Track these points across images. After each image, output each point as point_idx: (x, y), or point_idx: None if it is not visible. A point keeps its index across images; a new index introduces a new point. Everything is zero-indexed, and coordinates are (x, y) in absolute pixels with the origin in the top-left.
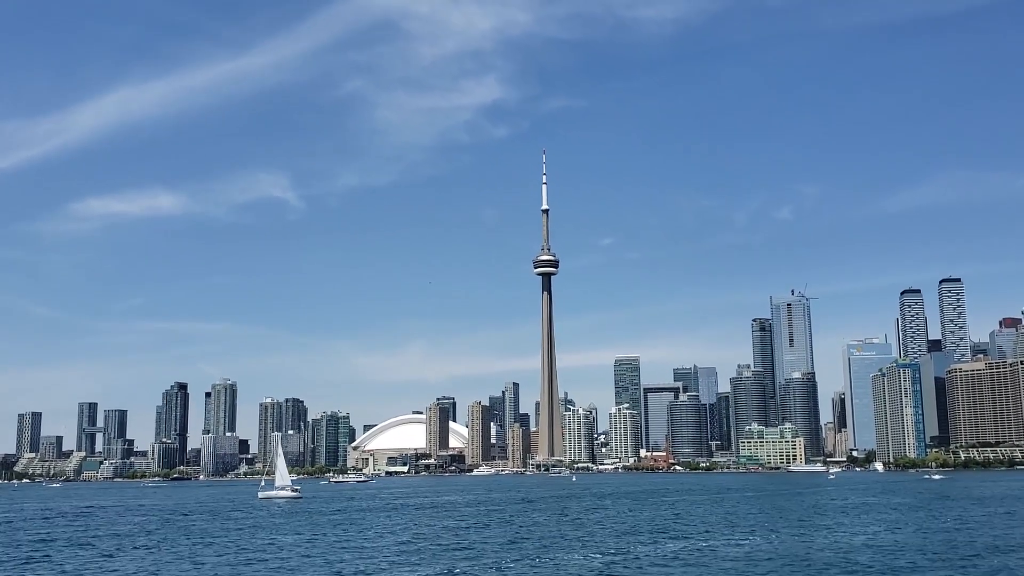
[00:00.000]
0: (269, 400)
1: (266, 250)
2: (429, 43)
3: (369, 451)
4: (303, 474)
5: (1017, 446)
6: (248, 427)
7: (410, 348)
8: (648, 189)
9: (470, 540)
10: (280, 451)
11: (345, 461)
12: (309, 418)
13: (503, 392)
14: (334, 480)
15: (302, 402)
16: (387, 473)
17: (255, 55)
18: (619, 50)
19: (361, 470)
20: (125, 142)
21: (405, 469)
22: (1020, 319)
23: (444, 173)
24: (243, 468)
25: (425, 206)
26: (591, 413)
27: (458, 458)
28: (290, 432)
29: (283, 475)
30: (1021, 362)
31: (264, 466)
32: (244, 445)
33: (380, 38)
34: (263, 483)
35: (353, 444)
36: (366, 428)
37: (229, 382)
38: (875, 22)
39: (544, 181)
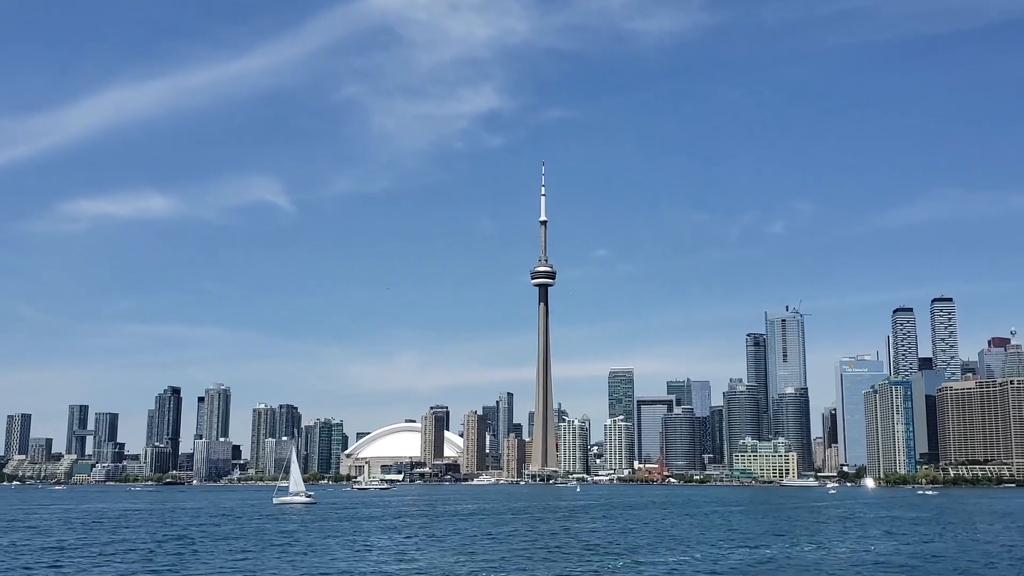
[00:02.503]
0: (263, 406)
1: (258, 255)
2: (427, 50)
3: (363, 459)
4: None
5: (1005, 464)
6: (239, 433)
7: (402, 357)
8: (642, 202)
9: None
10: (295, 458)
11: (338, 469)
12: (302, 425)
13: (497, 402)
14: (357, 487)
15: (296, 408)
16: (382, 481)
17: (252, 58)
18: (617, 62)
19: (357, 478)
20: (118, 142)
21: (400, 477)
22: (1009, 339)
23: (440, 182)
24: (236, 474)
25: (420, 214)
26: (585, 424)
27: (453, 467)
28: (284, 439)
29: (297, 481)
30: (1011, 381)
31: (258, 472)
32: (236, 451)
33: (378, 44)
34: (276, 489)
35: (346, 451)
36: (359, 436)
37: (223, 387)
38: (871, 42)
39: (543, 193)
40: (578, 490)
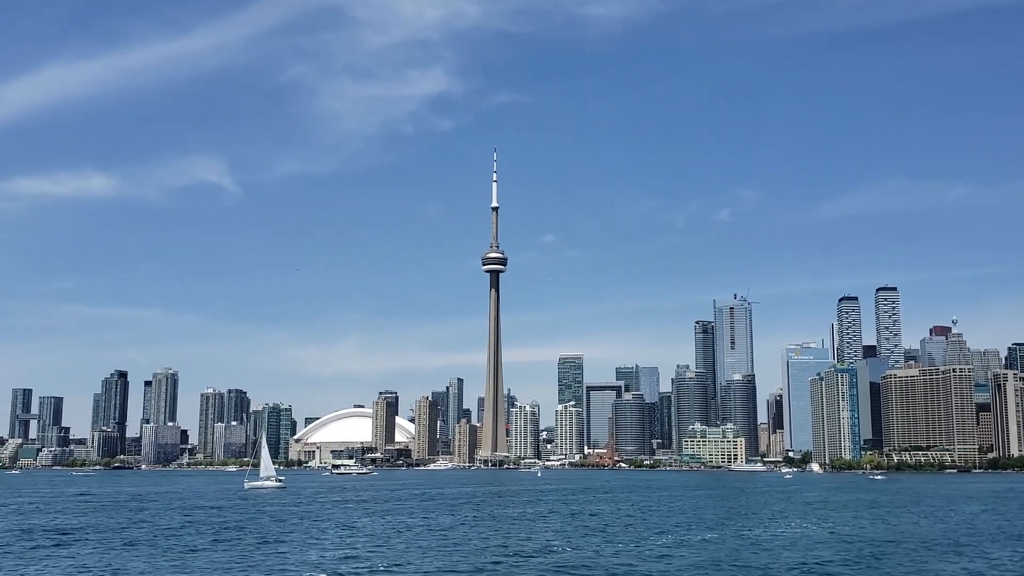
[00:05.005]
0: (211, 390)
1: (201, 236)
2: (376, 31)
3: (313, 444)
4: (244, 467)
5: (947, 450)
6: (186, 417)
7: (348, 341)
8: (590, 188)
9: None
10: (264, 443)
11: (287, 454)
12: (251, 410)
13: (447, 387)
14: (336, 472)
15: (245, 393)
16: (333, 467)
17: (197, 36)
18: (567, 47)
19: (308, 463)
20: (58, 121)
21: (352, 463)
22: (950, 327)
23: (387, 164)
24: (185, 458)
25: (367, 197)
26: (536, 409)
27: (405, 452)
28: (233, 423)
29: (268, 466)
30: (952, 369)
31: (207, 457)
32: (184, 435)
33: (326, 24)
34: (248, 473)
35: (296, 437)
36: (307, 421)
37: (171, 371)
38: (816, 31)
39: (495, 179)
40: (539, 475)
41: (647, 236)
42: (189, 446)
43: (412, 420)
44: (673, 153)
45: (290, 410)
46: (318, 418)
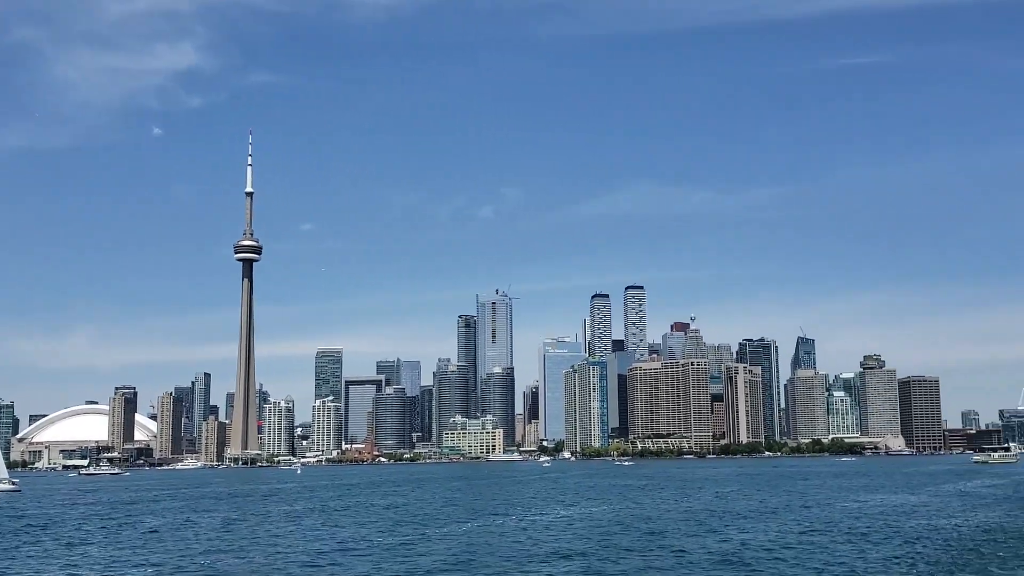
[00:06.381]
0: None
1: None
2: None
3: (40, 443)
4: None
5: (685, 437)
6: None
7: (79, 332)
8: (353, 177)
9: None
10: None
11: (8, 454)
12: None
13: (192, 383)
14: (86, 473)
15: None
16: (64, 467)
17: None
18: (330, 30)
19: (34, 464)
20: None
21: (85, 463)
22: (689, 323)
23: (129, 141)
24: None
25: (105, 175)
26: (290, 405)
27: (146, 451)
28: None
29: (0, 468)
30: (691, 363)
31: None
32: None
33: None
34: None
35: (18, 436)
36: (32, 419)
37: None
38: (580, 36)
39: (250, 163)
40: (299, 472)
41: (411, 229)
42: None
43: (154, 417)
44: (438, 148)
45: (12, 407)
46: (46, 415)
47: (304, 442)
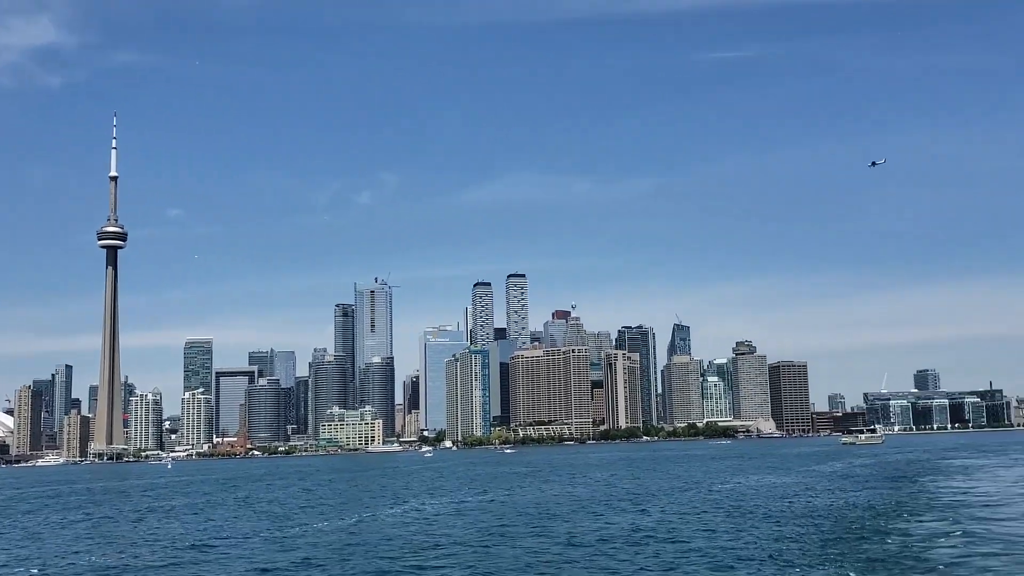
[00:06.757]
0: None
1: None
2: None
3: None
4: None
5: (566, 424)
6: None
7: None
8: (224, 162)
9: None
10: None
11: None
12: None
13: (52, 375)
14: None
15: None
16: None
17: None
18: (199, 9)
19: None
20: None
21: None
22: (570, 311)
23: None
24: None
25: None
26: (158, 397)
27: (2, 448)
28: None
29: None
30: (572, 350)
31: None
32: None
33: None
34: None
35: None
36: None
37: None
38: (464, 24)
39: (114, 145)
40: (170, 467)
41: (286, 215)
42: None
43: (10, 412)
44: (312, 131)
45: None
46: None
47: (173, 436)
